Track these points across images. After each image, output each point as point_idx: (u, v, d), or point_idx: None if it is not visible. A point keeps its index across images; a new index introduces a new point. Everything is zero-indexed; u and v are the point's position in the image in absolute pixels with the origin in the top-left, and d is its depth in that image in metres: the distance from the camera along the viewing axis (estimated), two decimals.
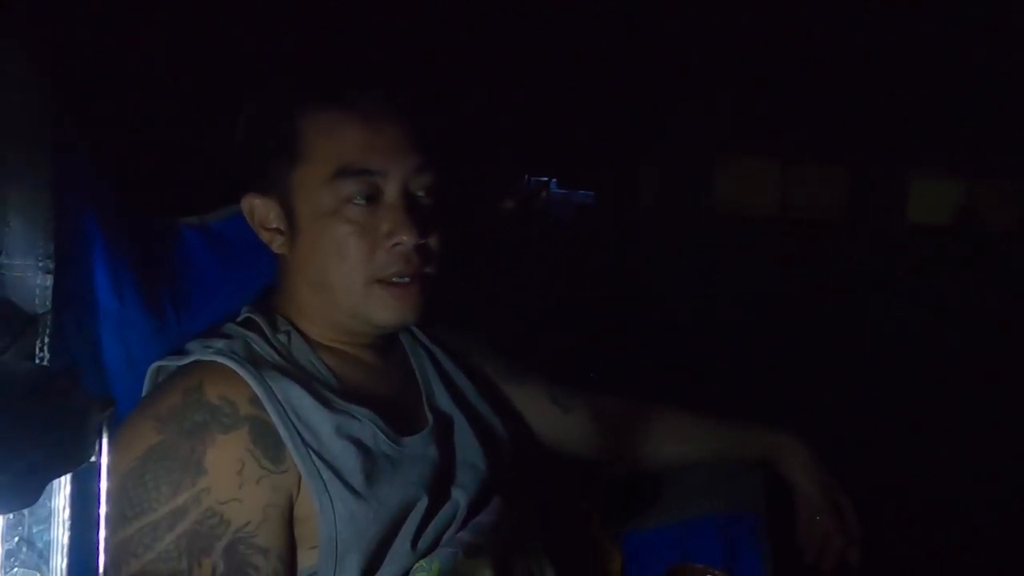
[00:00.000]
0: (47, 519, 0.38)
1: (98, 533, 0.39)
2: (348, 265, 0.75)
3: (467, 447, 0.84)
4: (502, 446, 0.89)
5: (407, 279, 0.76)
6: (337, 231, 0.74)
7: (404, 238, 0.74)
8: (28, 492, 0.32)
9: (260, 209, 0.78)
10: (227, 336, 0.76)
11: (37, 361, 0.50)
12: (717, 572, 0.61)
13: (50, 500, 0.38)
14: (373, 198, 0.75)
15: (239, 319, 0.79)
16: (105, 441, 0.39)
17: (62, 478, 0.38)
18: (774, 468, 1.03)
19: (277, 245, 0.79)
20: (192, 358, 0.72)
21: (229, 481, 0.64)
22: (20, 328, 0.48)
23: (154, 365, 0.73)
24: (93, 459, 0.39)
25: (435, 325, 0.97)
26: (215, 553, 0.62)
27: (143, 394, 0.74)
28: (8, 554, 0.38)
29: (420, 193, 0.78)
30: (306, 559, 0.68)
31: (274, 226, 0.78)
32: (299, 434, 0.69)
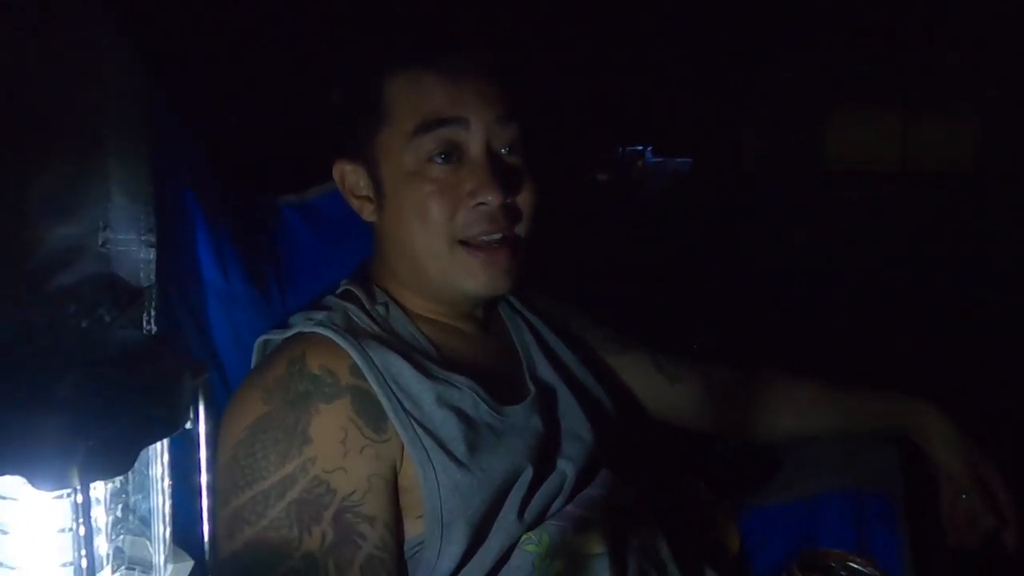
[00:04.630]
0: (145, 487, 0.38)
1: (201, 501, 0.39)
2: (430, 227, 0.72)
3: (571, 418, 0.81)
4: (608, 417, 0.86)
5: (496, 242, 0.73)
6: (419, 192, 0.72)
7: (489, 197, 0.71)
8: (120, 459, 0.31)
9: (350, 176, 0.78)
10: (328, 308, 0.75)
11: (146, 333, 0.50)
12: (858, 558, 0.55)
13: (148, 468, 0.38)
14: (455, 157, 0.72)
15: (338, 291, 0.79)
16: (202, 408, 0.38)
17: (158, 446, 0.38)
18: (913, 441, 0.94)
19: (367, 213, 0.78)
20: (295, 330, 0.72)
21: (334, 450, 0.64)
22: (127, 301, 0.48)
23: (261, 339, 0.74)
24: (189, 426, 0.38)
25: (533, 295, 0.94)
26: (324, 521, 0.62)
27: (251, 367, 0.75)
28: (115, 522, 0.38)
29: (504, 150, 0.74)
30: (413, 528, 0.68)
31: (364, 193, 0.77)
32: (400, 403, 0.68)
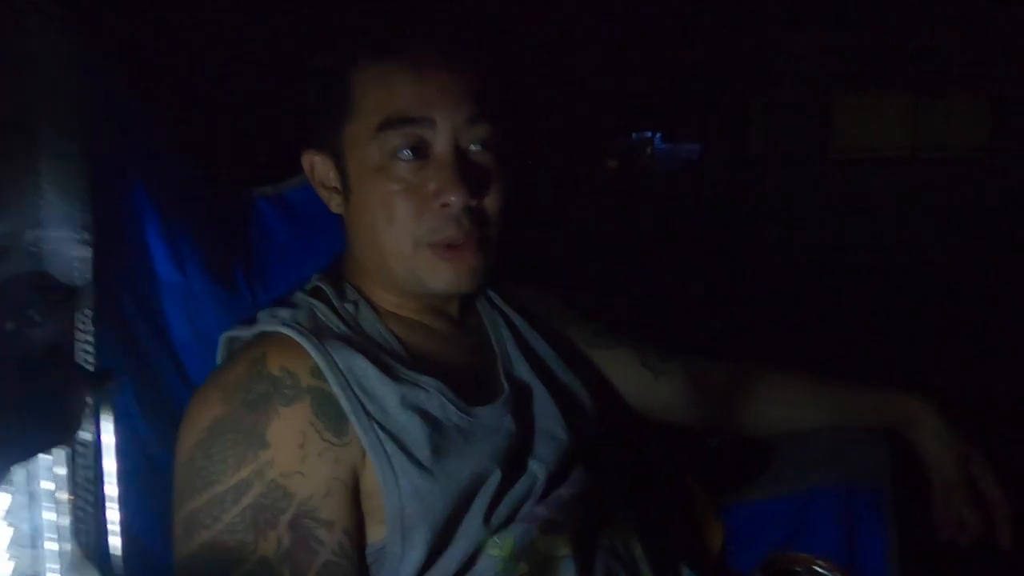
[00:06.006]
0: (33, 502, 0.36)
1: (103, 514, 0.37)
2: (395, 227, 0.70)
3: (547, 417, 0.78)
4: (586, 415, 0.83)
5: (460, 243, 0.71)
6: (384, 189, 0.70)
7: (452, 198, 0.69)
8: None
9: (320, 167, 0.76)
10: (294, 306, 0.74)
11: (83, 334, 0.49)
12: (823, 562, 0.53)
13: (33, 483, 0.36)
14: (421, 153, 0.70)
15: (307, 287, 0.77)
16: (106, 419, 0.36)
17: (47, 459, 0.36)
18: (904, 436, 0.92)
19: (335, 205, 0.76)
20: (258, 329, 0.70)
21: (292, 454, 0.63)
22: (59, 300, 0.47)
23: (225, 335, 0.73)
24: (90, 437, 0.36)
25: (515, 290, 0.92)
26: (280, 526, 0.61)
27: (217, 365, 0.73)
28: (13, 539, 0.36)
29: (474, 148, 0.72)
30: (375, 534, 0.66)
31: (332, 185, 0.76)
32: (362, 406, 0.66)
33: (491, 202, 0.73)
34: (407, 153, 0.70)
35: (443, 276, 0.72)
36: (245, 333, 0.71)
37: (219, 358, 0.74)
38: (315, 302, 0.74)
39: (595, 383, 0.91)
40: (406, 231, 0.70)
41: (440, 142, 0.70)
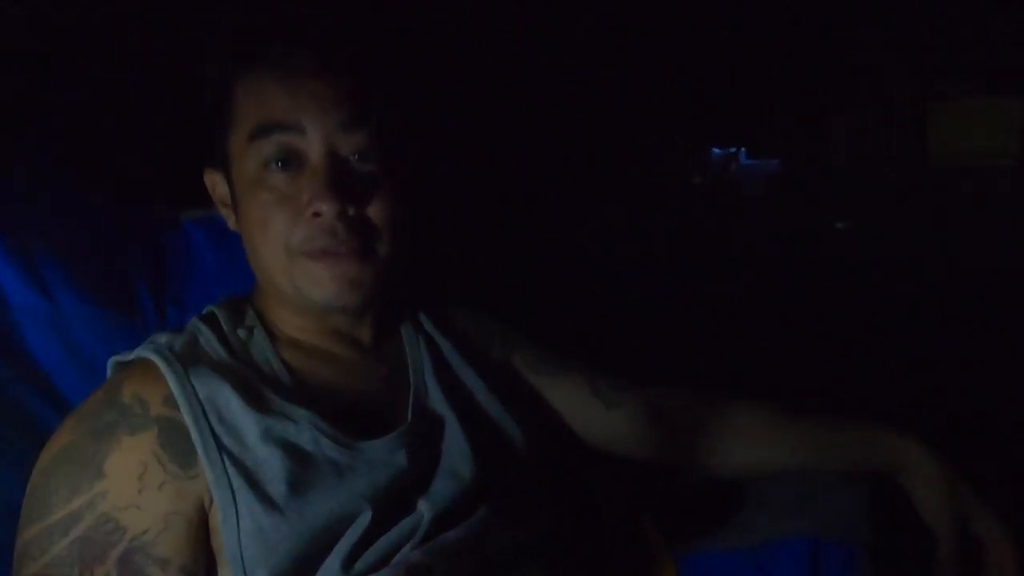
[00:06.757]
0: None
1: None
2: (270, 239, 0.68)
3: (455, 452, 0.72)
4: (508, 450, 0.77)
5: (341, 252, 0.67)
6: (259, 201, 0.68)
7: (324, 207, 0.65)
8: None
9: (218, 185, 0.75)
10: (181, 331, 0.72)
11: None
12: None
13: None
14: (296, 164, 0.67)
15: (203, 313, 0.75)
16: None
17: None
18: (895, 482, 0.80)
19: (232, 223, 0.74)
20: (135, 354, 0.69)
21: (128, 486, 0.60)
22: None
23: (111, 360, 0.71)
24: None
25: (452, 313, 0.87)
26: (108, 562, 0.58)
27: None
28: None
29: (353, 157, 0.68)
30: (224, 574, 0.62)
31: (228, 202, 0.73)
32: (215, 438, 0.62)
33: (376, 211, 0.69)
34: (278, 164, 0.67)
35: (321, 285, 0.68)
36: (127, 357, 0.70)
37: None
38: (202, 327, 0.71)
39: (535, 415, 0.84)
40: (279, 241, 0.68)
41: (313, 150, 0.67)
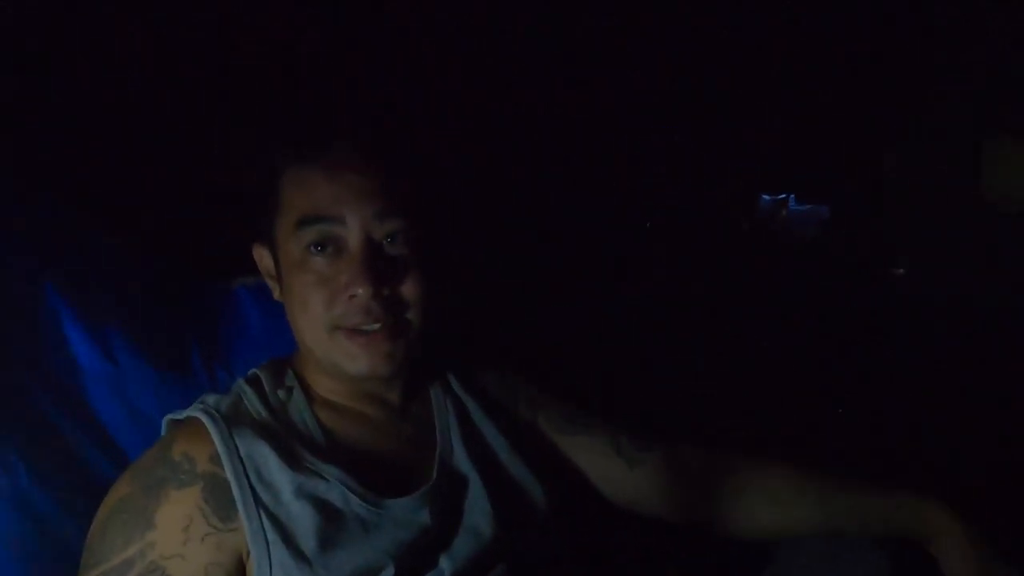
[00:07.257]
0: None
1: None
2: (310, 315, 0.74)
3: (476, 511, 0.76)
4: (529, 510, 0.80)
5: (375, 328, 0.73)
6: (301, 280, 0.74)
7: (360, 290, 0.72)
8: None
9: (265, 258, 0.81)
10: (228, 392, 0.78)
11: None
12: None
13: None
14: (332, 249, 0.74)
15: (248, 375, 0.81)
16: None
17: None
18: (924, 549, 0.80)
19: (277, 293, 0.81)
20: (187, 413, 0.75)
21: (175, 537, 0.65)
22: None
23: (166, 418, 0.78)
24: None
25: (479, 374, 0.91)
26: None
27: None
28: None
29: (386, 240, 0.75)
30: None
31: (273, 275, 0.81)
32: (254, 493, 0.68)
33: (407, 289, 0.75)
34: (317, 248, 0.74)
35: (358, 361, 0.74)
36: (180, 416, 0.76)
37: None
38: (246, 388, 0.78)
39: (558, 474, 0.87)
40: (318, 319, 0.74)
41: (352, 237, 0.74)
